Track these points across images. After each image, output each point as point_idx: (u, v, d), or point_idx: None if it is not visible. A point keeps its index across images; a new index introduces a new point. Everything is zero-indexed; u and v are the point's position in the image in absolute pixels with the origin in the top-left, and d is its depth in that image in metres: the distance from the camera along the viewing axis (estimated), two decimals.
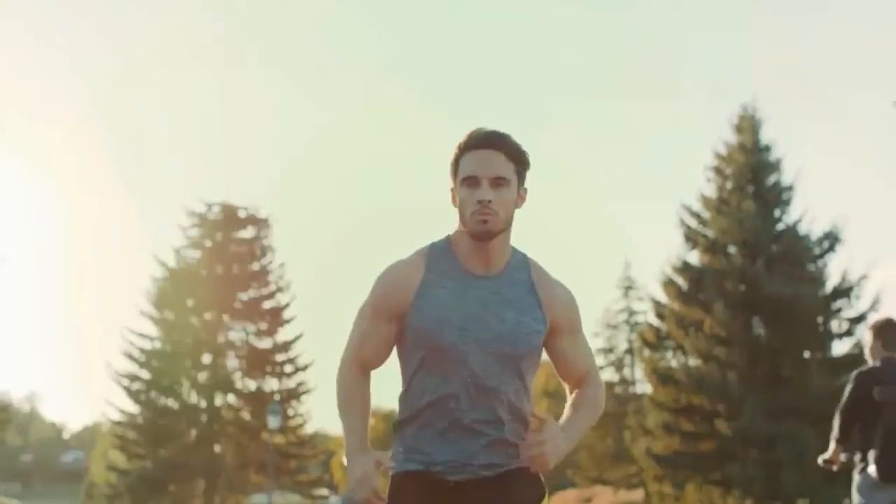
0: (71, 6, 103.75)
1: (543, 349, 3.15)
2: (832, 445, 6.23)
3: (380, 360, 3.16)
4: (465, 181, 3.03)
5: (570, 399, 3.22)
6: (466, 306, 3.03)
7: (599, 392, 3.22)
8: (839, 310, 28.84)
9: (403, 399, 3.13)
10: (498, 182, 3.02)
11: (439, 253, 3.12)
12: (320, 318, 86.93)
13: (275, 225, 38.09)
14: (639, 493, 36.62)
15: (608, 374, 41.89)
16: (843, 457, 6.15)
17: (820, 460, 6.28)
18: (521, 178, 3.10)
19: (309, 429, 38.71)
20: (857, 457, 6.07)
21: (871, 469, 5.92)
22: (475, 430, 3.02)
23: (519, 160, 3.08)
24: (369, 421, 3.19)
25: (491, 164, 3.02)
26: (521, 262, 3.14)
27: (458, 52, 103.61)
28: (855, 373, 6.25)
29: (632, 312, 42.53)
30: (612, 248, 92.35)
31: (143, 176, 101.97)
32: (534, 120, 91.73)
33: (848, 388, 6.17)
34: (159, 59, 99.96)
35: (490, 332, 3.01)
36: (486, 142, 3.05)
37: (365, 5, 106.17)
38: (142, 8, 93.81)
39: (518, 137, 3.09)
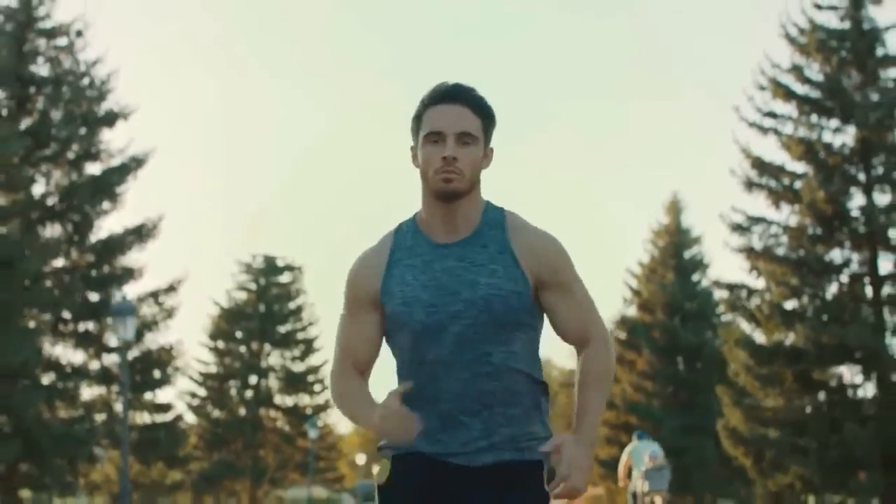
0: None
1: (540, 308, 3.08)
2: None
3: (369, 356, 3.14)
4: (429, 137, 3.00)
5: (577, 368, 3.13)
6: (433, 280, 3.02)
7: (604, 354, 3.11)
8: None
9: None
10: (464, 139, 2.98)
11: (405, 230, 3.11)
12: None
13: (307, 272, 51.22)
14: (600, 489, 49.82)
15: None
16: None
17: None
18: (487, 135, 3.06)
19: (333, 437, 52.19)
20: None
21: None
22: (468, 409, 3.00)
23: (486, 115, 3.05)
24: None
25: (457, 120, 2.99)
26: (495, 220, 3.08)
27: (458, 55, 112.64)
28: None
29: None
30: (610, 249, 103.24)
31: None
32: (534, 122, 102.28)
33: None
34: (159, 62, 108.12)
35: (461, 302, 2.99)
36: (452, 96, 3.02)
37: (366, 9, 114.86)
38: (141, 11, 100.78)
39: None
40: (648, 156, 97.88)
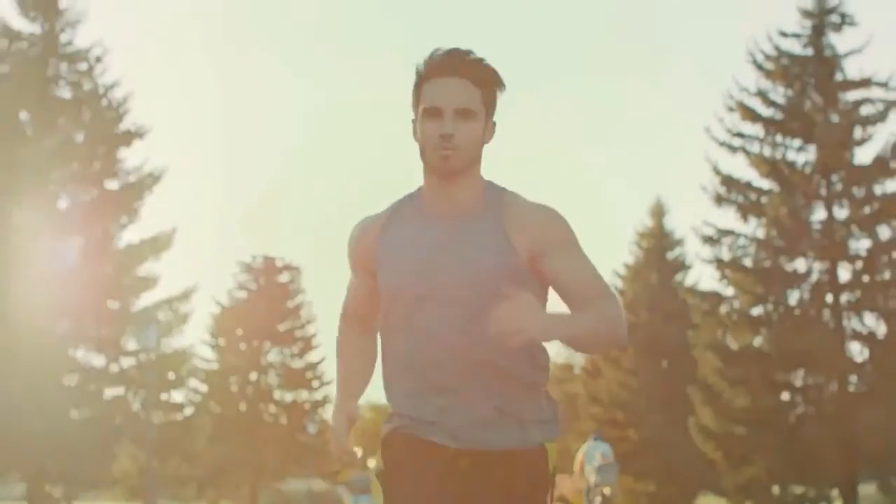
0: None
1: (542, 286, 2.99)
2: None
3: (369, 311, 3.26)
4: (427, 112, 2.95)
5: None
6: (422, 251, 3.00)
7: (611, 311, 2.95)
8: None
9: (383, 357, 3.17)
10: (463, 113, 2.93)
11: (406, 200, 3.11)
12: None
13: (305, 271, 53.74)
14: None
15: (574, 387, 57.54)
16: None
17: None
18: (489, 108, 3.01)
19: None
20: None
21: None
22: (448, 388, 2.98)
23: (487, 87, 2.98)
24: (367, 374, 3.29)
25: (455, 94, 2.93)
26: (495, 199, 3.03)
27: (452, 30, 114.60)
28: None
29: None
30: (602, 230, 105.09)
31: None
32: (529, 100, 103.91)
33: None
34: (159, 44, 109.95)
35: (448, 275, 2.97)
36: (450, 67, 2.95)
37: None
38: None
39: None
40: (635, 152, 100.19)
